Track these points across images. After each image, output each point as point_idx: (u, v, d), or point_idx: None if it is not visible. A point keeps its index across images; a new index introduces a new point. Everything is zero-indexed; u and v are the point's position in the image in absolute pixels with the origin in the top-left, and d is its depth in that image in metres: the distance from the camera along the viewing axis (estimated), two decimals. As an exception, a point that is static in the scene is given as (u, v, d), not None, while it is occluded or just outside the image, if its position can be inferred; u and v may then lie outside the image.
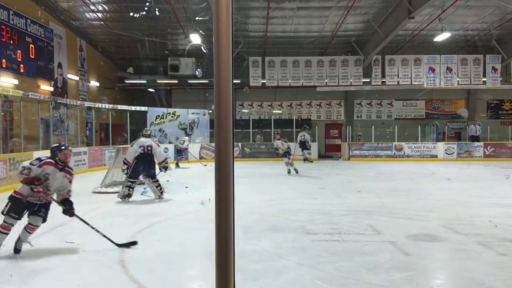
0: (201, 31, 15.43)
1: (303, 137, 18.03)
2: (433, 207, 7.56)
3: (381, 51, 18.28)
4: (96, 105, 16.88)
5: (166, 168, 8.41)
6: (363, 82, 19.66)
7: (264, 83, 19.65)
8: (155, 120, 19.00)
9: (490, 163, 17.11)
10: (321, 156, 20.45)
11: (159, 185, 8.40)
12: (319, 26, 17.31)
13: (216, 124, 1.27)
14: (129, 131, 17.16)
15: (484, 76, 19.35)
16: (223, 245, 1.27)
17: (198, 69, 18.88)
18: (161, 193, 8.34)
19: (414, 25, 16.61)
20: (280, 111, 22.66)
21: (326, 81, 19.62)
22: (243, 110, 22.66)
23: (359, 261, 4.44)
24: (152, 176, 8.35)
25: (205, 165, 15.69)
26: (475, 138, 19.82)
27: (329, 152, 21.72)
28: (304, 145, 17.99)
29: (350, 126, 20.78)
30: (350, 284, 3.84)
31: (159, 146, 8.63)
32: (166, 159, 8.56)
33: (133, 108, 17.89)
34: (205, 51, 17.22)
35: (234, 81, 9.56)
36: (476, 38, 18.79)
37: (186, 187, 10.08)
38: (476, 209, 7.33)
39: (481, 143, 19.23)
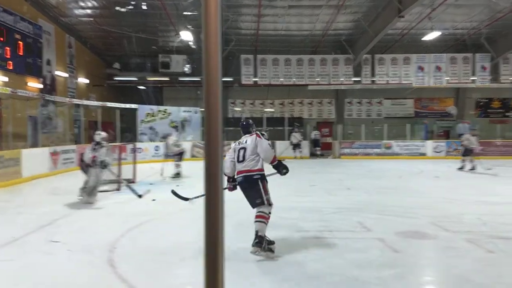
0: (190, 27, 15.33)
1: (316, 135, 19.57)
2: (422, 204, 7.62)
3: (371, 50, 18.37)
4: (85, 103, 16.73)
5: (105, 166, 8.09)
6: (354, 81, 19.76)
7: (256, 81, 19.66)
8: (146, 118, 18.88)
9: (478, 161, 17.26)
10: (312, 155, 20.50)
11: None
12: (310, 25, 17.35)
13: (205, 122, 1.26)
14: (119, 129, 17.03)
15: (473, 74, 19.55)
16: (212, 243, 1.26)
17: (187, 65, 18.77)
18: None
19: (403, 24, 16.71)
20: (272, 109, 22.68)
21: (318, 79, 19.68)
22: (235, 108, 22.64)
23: (349, 258, 4.47)
24: None
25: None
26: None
27: (321, 150, 21.78)
28: (316, 143, 19.59)
29: (341, 125, 20.87)
30: (341, 281, 3.86)
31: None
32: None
33: (122, 105, 17.75)
34: (193, 47, 17.12)
35: (226, 79, 9.61)
36: (465, 37, 18.95)
37: (178, 186, 10.03)
38: (464, 206, 7.41)
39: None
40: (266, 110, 22.46)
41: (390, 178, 11.99)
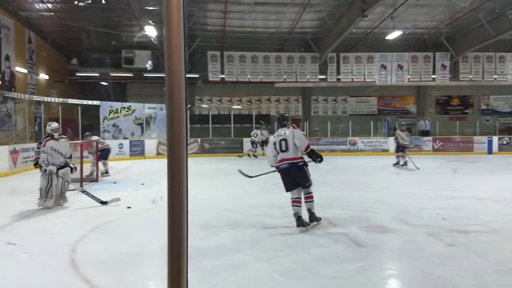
0: (151, 22, 15.00)
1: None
2: (384, 199, 7.83)
3: (336, 48, 18.65)
4: (45, 99, 16.16)
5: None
6: (320, 78, 20.02)
7: (223, 78, 19.57)
8: (109, 115, 18.44)
9: (438, 157, 17.94)
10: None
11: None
12: (277, 22, 17.42)
13: (168, 120, 1.24)
14: (81, 126, 16.57)
15: (434, 73, 20.22)
16: (175, 243, 1.25)
17: (149, 62, 18.42)
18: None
19: (367, 24, 17.05)
20: (240, 106, 22.66)
21: (284, 77, 19.81)
22: (202, 105, 22.47)
23: (315, 253, 4.54)
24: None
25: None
26: (425, 133, 20.74)
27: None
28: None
29: (307, 122, 21.12)
30: (306, 276, 3.91)
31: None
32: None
33: (84, 102, 17.28)
34: (155, 43, 16.82)
35: (193, 75, 9.48)
36: (426, 36, 19.55)
37: (142, 184, 9.88)
38: (425, 201, 7.66)
39: (430, 138, 20.16)
40: (233, 107, 22.42)
41: (354, 174, 12.25)
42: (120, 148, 17.52)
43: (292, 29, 18.00)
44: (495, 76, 20.31)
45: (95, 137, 11.62)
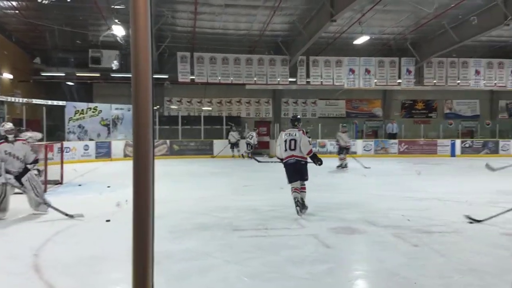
0: (117, 21, 14.69)
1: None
2: (352, 200, 7.96)
3: (306, 52, 18.85)
4: (9, 99, 15.56)
5: None
6: (290, 81, 20.18)
7: (193, 79, 19.42)
8: (74, 116, 17.95)
9: (404, 159, 18.41)
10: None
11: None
12: (247, 25, 17.46)
13: (134, 120, 1.21)
14: (45, 127, 16.06)
15: (399, 77, 20.75)
16: (141, 247, 1.22)
17: (114, 61, 18.05)
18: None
19: (336, 28, 17.32)
20: (210, 108, 22.53)
21: (255, 79, 19.85)
22: (171, 106, 22.20)
23: (284, 255, 4.55)
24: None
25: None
26: (392, 136, 21.26)
27: (258, 149, 22.02)
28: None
29: (278, 124, 21.23)
30: (276, 278, 3.91)
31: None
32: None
33: (49, 102, 16.76)
34: (121, 42, 16.50)
35: (162, 76, 9.42)
36: (392, 42, 20.06)
37: (108, 187, 9.66)
38: (391, 202, 7.84)
39: (396, 140, 20.68)
40: (203, 108, 22.27)
41: (323, 176, 12.37)
42: (86, 149, 17.08)
43: (262, 32, 18.08)
44: (458, 81, 21.05)
45: (29, 134, 11.00)
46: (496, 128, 22.29)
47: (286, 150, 6.73)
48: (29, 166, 6.65)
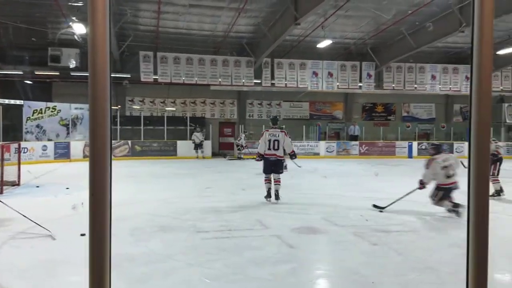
0: (75, 19, 14.24)
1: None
2: (314, 201, 8.10)
3: (270, 54, 18.97)
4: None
5: None
6: (255, 83, 20.24)
7: (156, 79, 19.10)
8: (32, 115, 17.27)
9: (364, 160, 18.88)
10: (214, 154, 20.60)
11: None
12: (212, 25, 17.36)
13: (91, 120, 1.18)
14: (2, 127, 15.36)
15: (360, 81, 21.26)
16: (98, 251, 1.19)
17: (72, 60, 17.49)
18: None
19: (300, 31, 17.54)
20: (174, 108, 22.23)
21: (220, 80, 19.77)
22: (133, 106, 21.74)
23: (247, 256, 4.57)
24: None
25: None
26: (354, 138, 21.75)
27: (223, 150, 21.96)
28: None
29: (242, 125, 21.25)
30: (238, 280, 3.91)
31: None
32: None
33: (6, 101, 16.06)
34: (78, 40, 16.03)
35: (124, 75, 9.28)
36: (353, 46, 20.53)
37: (67, 188, 9.35)
38: (351, 202, 8.02)
39: (357, 142, 21.20)
40: (167, 109, 21.95)
41: (286, 177, 12.47)
42: (44, 150, 16.49)
43: (227, 33, 18.04)
44: (415, 86, 21.79)
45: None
46: (450, 131, 23.24)
47: (269, 149, 7.86)
48: None
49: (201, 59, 19.49)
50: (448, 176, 6.52)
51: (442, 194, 6.54)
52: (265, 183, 8.04)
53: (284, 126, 8.34)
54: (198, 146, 19.00)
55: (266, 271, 4.13)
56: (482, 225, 1.16)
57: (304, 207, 7.44)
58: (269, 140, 7.87)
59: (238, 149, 19.17)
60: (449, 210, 6.54)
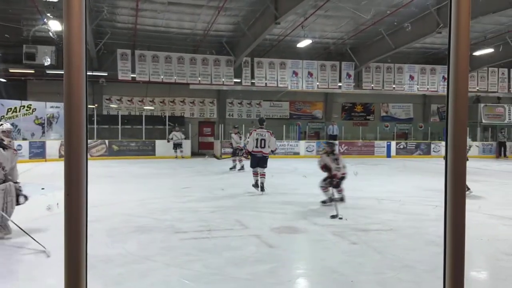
0: (50, 15, 13.92)
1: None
2: (294, 200, 8.12)
3: (250, 53, 18.97)
4: None
5: None
6: (234, 82, 20.20)
7: (134, 77, 18.85)
8: (6, 114, 16.82)
9: (343, 160, 19.01)
10: (194, 154, 20.46)
11: None
12: (191, 24, 17.25)
13: (66, 119, 1.15)
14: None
15: (340, 81, 21.47)
16: (74, 253, 1.16)
17: (46, 57, 17.09)
18: None
19: (280, 31, 17.60)
20: (152, 107, 21.98)
21: (199, 79, 19.65)
22: (111, 105, 21.40)
23: (226, 256, 4.54)
24: None
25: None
26: (333, 137, 21.92)
27: (202, 150, 21.85)
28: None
29: (222, 124, 21.18)
30: (217, 280, 3.89)
31: None
32: None
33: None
34: (53, 37, 15.68)
35: (101, 74, 9.13)
36: (333, 46, 20.71)
37: (43, 189, 9.13)
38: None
39: (337, 142, 21.36)
40: (145, 108, 21.69)
41: (266, 176, 12.51)
42: (19, 149, 16.04)
43: (207, 32, 17.95)
44: (394, 86, 22.15)
45: None
46: (428, 131, 23.70)
47: (257, 146, 8.96)
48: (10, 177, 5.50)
49: (180, 57, 19.34)
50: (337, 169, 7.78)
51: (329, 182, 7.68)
52: (253, 176, 9.22)
53: (265, 124, 9.33)
54: (177, 145, 18.83)
55: (245, 271, 4.11)
56: (459, 224, 1.18)
57: (283, 207, 7.45)
58: (257, 139, 8.98)
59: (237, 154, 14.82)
60: (328, 200, 7.45)
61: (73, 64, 1.15)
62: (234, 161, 13.78)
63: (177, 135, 18.84)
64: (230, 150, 15.52)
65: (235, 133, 14.59)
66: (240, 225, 6.02)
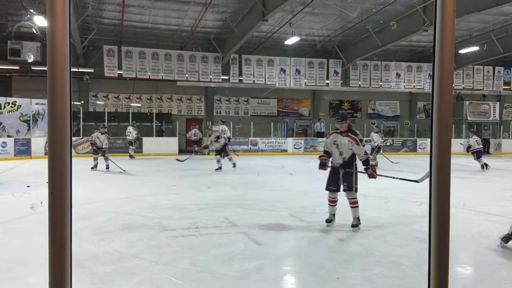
0: (33, 11, 13.70)
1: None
2: (281, 197, 8.15)
3: (238, 50, 18.92)
4: None
5: None
6: (222, 79, 20.14)
7: (121, 74, 18.67)
8: (-11, 111, 16.55)
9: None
10: (181, 151, 20.36)
11: None
12: (178, 20, 17.13)
13: (49, 116, 1.14)
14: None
15: (327, 78, 21.55)
16: (58, 251, 1.15)
17: (29, 54, 16.82)
18: None
19: (267, 28, 17.58)
20: (139, 104, 21.81)
21: (187, 76, 19.55)
22: (97, 102, 21.17)
23: (214, 254, 4.54)
24: None
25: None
26: (320, 134, 22.04)
27: (190, 147, 21.74)
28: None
29: (210, 122, 21.11)
30: (205, 278, 3.88)
31: None
32: None
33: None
34: (37, 33, 15.45)
35: (87, 70, 9.09)
36: (320, 44, 20.77)
37: (28, 186, 9.01)
38: (318, 198, 8.07)
39: (324, 139, 21.46)
40: (132, 105, 21.51)
41: (253, 174, 12.54)
42: (4, 147, 15.85)
43: (194, 28, 17.84)
44: (381, 83, 22.32)
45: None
46: (414, 128, 23.95)
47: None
48: None
49: (168, 54, 19.21)
50: None
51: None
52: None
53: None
54: (131, 143, 17.51)
55: (233, 268, 4.12)
56: (444, 220, 1.19)
57: (271, 204, 7.47)
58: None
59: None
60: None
61: (57, 60, 1.14)
62: (218, 161, 13.35)
63: (131, 131, 17.40)
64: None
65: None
66: (227, 223, 6.02)
